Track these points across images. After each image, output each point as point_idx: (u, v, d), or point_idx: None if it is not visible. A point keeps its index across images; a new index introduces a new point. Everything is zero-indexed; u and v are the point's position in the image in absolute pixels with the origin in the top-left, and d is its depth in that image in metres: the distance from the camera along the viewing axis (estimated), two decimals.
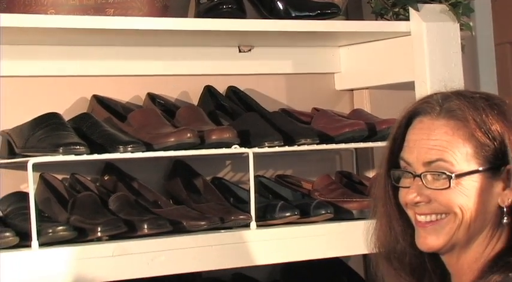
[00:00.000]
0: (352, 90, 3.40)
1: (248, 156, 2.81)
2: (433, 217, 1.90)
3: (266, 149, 2.88)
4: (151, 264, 2.58)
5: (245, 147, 2.83)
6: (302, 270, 3.08)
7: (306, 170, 3.24)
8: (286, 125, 2.99)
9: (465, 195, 1.88)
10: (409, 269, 2.01)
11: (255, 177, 2.84)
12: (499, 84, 3.61)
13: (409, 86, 3.06)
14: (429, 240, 1.92)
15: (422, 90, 2.97)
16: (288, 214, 2.84)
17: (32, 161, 2.53)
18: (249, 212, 2.80)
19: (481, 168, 1.88)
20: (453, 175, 1.87)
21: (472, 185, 1.88)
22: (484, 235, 1.91)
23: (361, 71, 3.32)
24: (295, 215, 2.84)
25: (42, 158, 2.57)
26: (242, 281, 3.07)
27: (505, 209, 1.89)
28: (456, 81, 3.05)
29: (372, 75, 3.28)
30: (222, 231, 2.75)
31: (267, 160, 3.13)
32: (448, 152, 1.88)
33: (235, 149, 2.81)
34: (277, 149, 2.90)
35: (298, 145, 2.91)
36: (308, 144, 2.92)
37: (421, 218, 1.92)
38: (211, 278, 2.98)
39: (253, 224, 2.78)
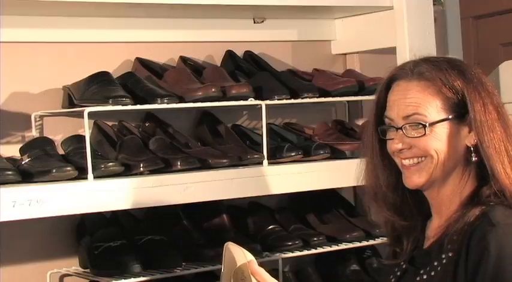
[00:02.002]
0: (345, 54, 3.37)
1: (261, 107, 2.80)
2: (415, 160, 1.92)
3: (276, 102, 2.87)
4: (183, 194, 2.58)
5: (259, 100, 2.82)
6: (305, 199, 3.08)
7: (307, 119, 3.22)
8: (292, 82, 2.98)
9: (438, 139, 1.90)
10: (392, 207, 2.03)
11: (267, 124, 2.83)
12: (463, 49, 3.58)
13: (392, 50, 3.04)
14: (413, 179, 1.94)
15: (402, 54, 2.97)
16: (293, 154, 2.84)
17: (87, 110, 2.52)
18: (262, 152, 2.79)
19: (449, 117, 1.90)
20: (427, 124, 1.89)
21: (443, 131, 1.90)
22: (457, 172, 1.93)
23: (353, 39, 3.29)
24: (299, 154, 2.84)
25: (96, 108, 2.57)
26: (256, 208, 3.07)
27: (472, 148, 1.90)
28: (429, 46, 3.04)
29: (362, 42, 3.25)
30: (240, 167, 2.74)
31: (276, 110, 3.12)
32: (421, 106, 1.90)
33: (251, 101, 2.81)
34: (284, 101, 2.89)
35: (302, 98, 2.91)
36: (310, 97, 2.91)
37: (406, 162, 1.93)
38: (231, 205, 2.99)
39: (265, 161, 2.78)
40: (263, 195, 2.88)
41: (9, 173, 2.41)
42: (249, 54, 3.15)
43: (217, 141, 2.92)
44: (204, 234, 2.86)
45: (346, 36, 3.31)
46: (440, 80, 1.90)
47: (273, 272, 2.97)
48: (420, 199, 2.01)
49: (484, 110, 1.88)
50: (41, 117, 2.77)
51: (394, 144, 1.93)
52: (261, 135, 2.83)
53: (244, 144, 2.91)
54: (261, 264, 3.04)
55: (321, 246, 2.94)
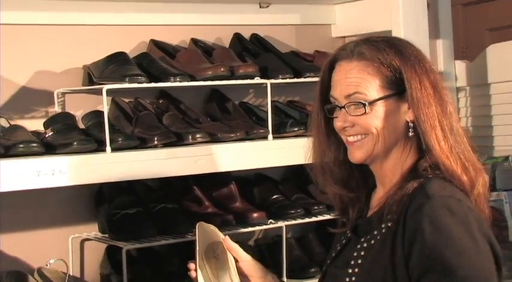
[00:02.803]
0: (344, 37, 3.34)
1: (267, 85, 2.78)
2: (358, 137, 1.88)
3: (280, 80, 2.86)
4: (194, 165, 2.58)
5: (264, 79, 2.81)
6: (306, 170, 3.05)
7: (309, 97, 3.14)
8: (295, 62, 2.97)
9: (379, 117, 1.86)
10: (339, 181, 1.99)
11: (272, 101, 2.82)
12: (453, 33, 3.55)
13: (388, 34, 3.01)
14: (356, 154, 1.90)
15: (397, 35, 2.93)
16: (296, 129, 2.83)
17: (105, 87, 2.51)
18: (267, 127, 2.78)
19: (388, 95, 1.86)
20: (367, 103, 1.85)
21: (383, 109, 1.86)
22: (399, 146, 1.89)
23: (351, 23, 3.27)
24: (302, 129, 2.83)
25: (114, 86, 2.56)
26: (262, 179, 3.07)
27: (410, 124, 1.86)
28: (422, 30, 3.03)
29: (360, 26, 3.22)
30: (247, 141, 2.74)
31: (280, 89, 3.10)
32: (361, 86, 1.85)
33: (257, 80, 2.79)
34: (288, 80, 2.88)
35: (304, 78, 2.89)
36: (311, 77, 2.88)
37: (350, 138, 1.90)
38: (239, 176, 2.98)
39: (270, 136, 2.77)
40: (268, 167, 2.87)
41: (34, 145, 2.41)
42: (255, 36, 3.13)
43: (226, 117, 2.90)
44: (213, 203, 2.86)
45: (345, 21, 3.29)
46: (379, 60, 1.85)
47: (276, 238, 2.98)
48: (366, 172, 1.98)
49: (420, 87, 1.84)
50: (63, 94, 2.77)
51: (338, 122, 1.90)
52: (266, 112, 2.82)
53: (250, 120, 2.90)
54: (265, 231, 3.06)
55: (321, 214, 2.94)
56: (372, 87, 1.85)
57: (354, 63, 1.87)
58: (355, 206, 2.00)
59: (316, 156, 2.01)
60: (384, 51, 1.86)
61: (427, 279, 1.72)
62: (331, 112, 1.93)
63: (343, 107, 1.88)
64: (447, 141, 1.84)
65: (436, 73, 1.89)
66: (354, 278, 1.84)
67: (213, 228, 2.09)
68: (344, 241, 1.98)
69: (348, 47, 1.91)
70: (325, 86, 1.94)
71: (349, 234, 1.97)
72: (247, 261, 2.09)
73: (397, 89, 1.85)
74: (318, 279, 2.04)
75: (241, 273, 2.09)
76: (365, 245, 1.87)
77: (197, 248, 2.04)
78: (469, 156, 1.87)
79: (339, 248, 1.99)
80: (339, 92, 1.89)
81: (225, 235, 2.10)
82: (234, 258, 2.09)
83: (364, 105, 1.85)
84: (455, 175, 1.83)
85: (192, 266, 2.06)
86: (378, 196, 1.94)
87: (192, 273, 2.05)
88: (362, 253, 1.86)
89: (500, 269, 1.78)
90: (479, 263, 1.73)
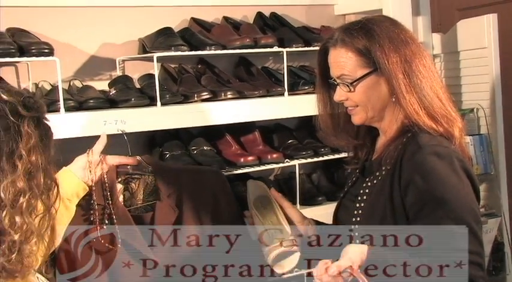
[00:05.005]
0: (345, 15, 3.30)
1: (283, 53, 2.77)
2: (352, 107, 1.88)
3: (294, 49, 2.84)
4: (226, 116, 2.58)
5: (281, 48, 2.79)
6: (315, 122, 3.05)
7: None
8: (306, 34, 2.94)
9: (363, 92, 1.84)
10: (347, 138, 1.99)
11: (287, 66, 2.80)
12: (430, 11, 3.49)
13: (379, 11, 2.98)
14: (355, 119, 1.90)
15: (387, 13, 2.90)
16: (306, 87, 2.82)
17: (156, 55, 2.51)
18: (283, 86, 2.77)
19: (366, 73, 1.83)
20: (350, 83, 1.84)
21: (365, 85, 1.84)
22: (389, 108, 1.86)
23: (350, 3, 3.21)
24: (311, 88, 2.81)
25: (162, 53, 2.56)
26: (280, 128, 3.05)
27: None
28: (406, 9, 3.01)
29: (357, 5, 3.17)
30: (268, 97, 2.73)
31: (294, 56, 3.07)
32: (345, 68, 1.84)
33: (275, 49, 2.78)
34: (300, 49, 2.85)
35: (313, 47, 2.86)
36: (319, 46, 2.84)
37: (348, 108, 1.89)
38: (262, 125, 2.97)
39: (286, 93, 2.76)
40: (284, 118, 2.87)
41: (101, 100, 2.43)
42: (274, 14, 3.10)
43: (251, 79, 2.89)
44: (241, 146, 2.86)
45: (345, 1, 3.24)
46: (354, 45, 1.82)
47: (291, 174, 2.98)
48: (369, 130, 1.97)
49: (387, 63, 1.79)
50: (123, 61, 2.76)
51: (336, 96, 1.89)
52: (283, 74, 2.80)
53: (270, 80, 2.89)
54: (282, 169, 3.07)
55: (327, 155, 2.93)
56: (354, 68, 1.83)
57: (338, 50, 1.85)
58: (363, 149, 2.00)
59: (323, 124, 2.00)
60: (356, 37, 1.82)
61: (423, 212, 1.71)
62: (334, 86, 1.92)
63: (338, 84, 1.87)
64: (418, 104, 1.80)
65: (410, 45, 1.82)
66: (360, 211, 1.85)
67: (260, 183, 2.07)
68: (354, 178, 1.99)
69: (334, 35, 1.89)
70: (322, 66, 1.93)
71: (358, 173, 1.98)
72: (289, 208, 2.05)
73: (373, 67, 1.82)
74: (335, 207, 2.02)
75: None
76: (369, 184, 1.87)
77: (249, 200, 2.04)
78: (440, 111, 1.82)
79: (350, 183, 1.99)
80: (333, 73, 1.88)
81: (270, 188, 2.08)
82: (279, 205, 2.06)
83: (349, 85, 1.84)
84: (431, 129, 1.80)
85: (247, 214, 2.06)
86: (381, 142, 1.93)
87: (249, 220, 2.05)
88: (367, 191, 1.86)
89: (479, 199, 1.78)
90: (464, 196, 1.72)
